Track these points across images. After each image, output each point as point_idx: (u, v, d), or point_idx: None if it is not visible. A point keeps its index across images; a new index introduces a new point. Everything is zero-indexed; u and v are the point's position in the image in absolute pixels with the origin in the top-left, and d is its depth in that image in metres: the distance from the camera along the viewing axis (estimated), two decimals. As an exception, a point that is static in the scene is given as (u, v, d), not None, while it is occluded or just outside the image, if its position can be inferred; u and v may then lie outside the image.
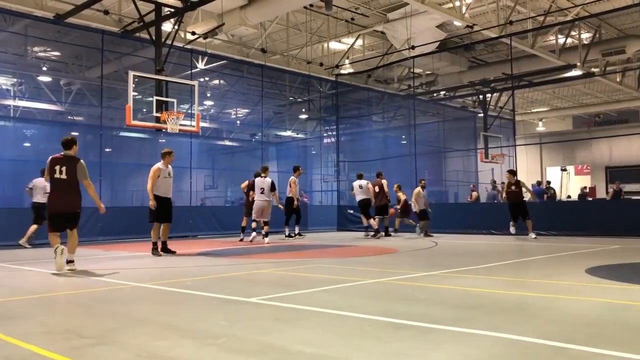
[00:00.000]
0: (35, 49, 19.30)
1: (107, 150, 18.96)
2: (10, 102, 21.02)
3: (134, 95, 12.82)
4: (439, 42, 18.69)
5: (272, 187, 13.15)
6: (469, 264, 8.17)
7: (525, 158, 28.35)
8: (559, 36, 18.85)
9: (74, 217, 7.73)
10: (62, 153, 7.71)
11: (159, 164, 10.21)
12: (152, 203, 9.90)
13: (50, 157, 7.65)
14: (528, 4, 16.28)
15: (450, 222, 16.25)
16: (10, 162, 17.90)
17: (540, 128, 32.21)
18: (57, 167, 7.53)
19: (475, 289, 5.75)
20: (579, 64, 18.80)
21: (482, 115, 25.56)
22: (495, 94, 24.89)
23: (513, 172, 14.14)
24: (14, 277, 7.48)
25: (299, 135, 29.04)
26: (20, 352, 3.41)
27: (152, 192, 9.94)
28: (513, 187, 13.84)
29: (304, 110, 26.81)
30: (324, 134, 24.84)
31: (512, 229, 14.02)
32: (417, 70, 21.63)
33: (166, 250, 10.30)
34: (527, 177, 28.40)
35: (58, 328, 4.09)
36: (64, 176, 7.52)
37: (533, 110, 30.58)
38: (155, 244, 10.20)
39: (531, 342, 3.47)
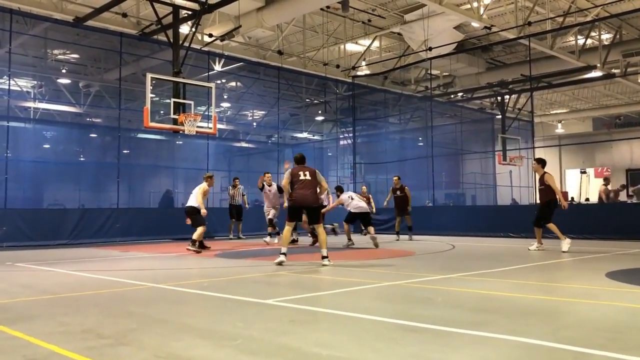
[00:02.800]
0: (55, 51, 19.55)
1: (125, 151, 19.13)
2: (30, 104, 21.29)
3: (151, 97, 12.92)
4: (456, 44, 18.58)
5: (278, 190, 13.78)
6: (486, 267, 8.09)
7: (544, 160, 28.01)
8: (579, 37, 18.63)
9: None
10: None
11: (206, 185, 11.50)
12: (204, 212, 11.27)
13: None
14: (547, 5, 16.12)
15: (467, 224, 16.14)
16: (31, 164, 18.13)
17: (560, 130, 31.85)
18: (301, 172, 8.53)
19: (493, 292, 5.69)
20: (599, 65, 18.55)
21: (500, 117, 25.34)
22: (513, 96, 24.67)
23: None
24: (35, 277, 7.58)
25: (315, 137, 29.06)
26: (41, 351, 3.45)
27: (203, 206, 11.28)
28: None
29: (320, 112, 26.81)
30: (340, 136, 24.82)
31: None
32: (434, 72, 21.52)
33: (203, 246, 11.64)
34: (546, 179, 28.09)
35: (77, 328, 4.13)
36: (308, 177, 8.51)
37: (552, 112, 30.25)
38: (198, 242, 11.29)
39: (550, 346, 3.43)
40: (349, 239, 12.57)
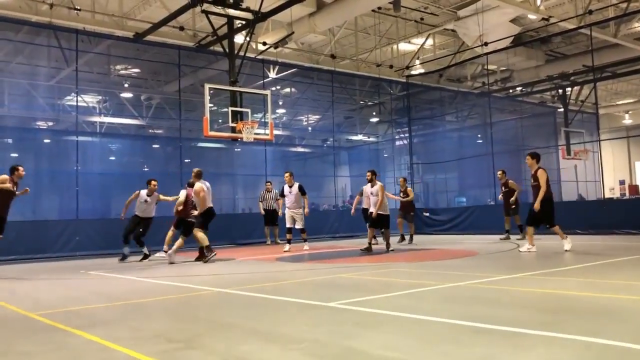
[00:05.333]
0: (117, 67, 20.39)
1: (187, 160, 19.64)
2: (96, 118, 22.29)
3: (210, 107, 13.22)
4: (513, 37, 18.10)
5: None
6: (554, 265, 7.83)
7: (612, 153, 26.85)
8: (645, 22, 17.77)
9: None
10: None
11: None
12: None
13: None
14: (609, -9, 15.48)
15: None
16: (98, 176, 18.92)
17: (627, 120, 30.41)
18: None
19: (563, 292, 5.50)
20: (668, 50, 17.65)
21: (562, 110, 24.47)
22: (575, 88, 23.77)
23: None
24: (107, 285, 7.91)
25: (371, 139, 28.95)
26: (116, 355, 3.60)
27: None
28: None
29: (374, 113, 26.71)
30: (396, 137, 24.62)
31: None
32: (491, 67, 21.03)
33: None
34: (614, 173, 26.91)
35: (148, 332, 4.28)
36: None
37: (618, 103, 28.95)
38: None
39: (628, 347, 3.28)
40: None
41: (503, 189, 14.14)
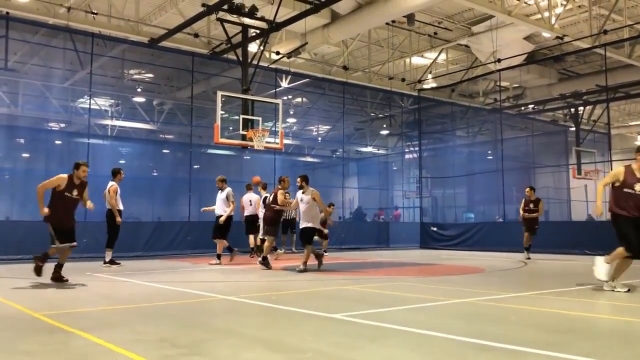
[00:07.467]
0: (131, 71, 20.55)
1: (196, 166, 19.71)
2: (108, 121, 22.43)
3: (221, 114, 13.28)
4: (526, 55, 18.08)
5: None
6: (562, 285, 7.76)
7: (622, 174, 26.59)
8: (660, 44, 17.69)
9: None
10: None
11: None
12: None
13: None
14: (624, 12, 15.43)
15: (539, 241, 15.53)
16: (108, 178, 19.03)
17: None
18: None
19: (570, 312, 5.44)
20: (682, 72, 17.54)
21: (574, 129, 24.37)
22: (588, 107, 23.68)
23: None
24: (113, 288, 7.92)
25: (380, 151, 28.94)
26: (120, 358, 3.60)
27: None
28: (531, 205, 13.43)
29: (385, 125, 26.73)
30: (406, 150, 24.61)
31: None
32: (503, 84, 21.01)
33: None
34: (625, 194, 26.62)
35: (153, 337, 4.27)
36: None
37: (631, 124, 28.78)
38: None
39: (636, 371, 3.24)
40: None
41: (532, 206, 13.43)
